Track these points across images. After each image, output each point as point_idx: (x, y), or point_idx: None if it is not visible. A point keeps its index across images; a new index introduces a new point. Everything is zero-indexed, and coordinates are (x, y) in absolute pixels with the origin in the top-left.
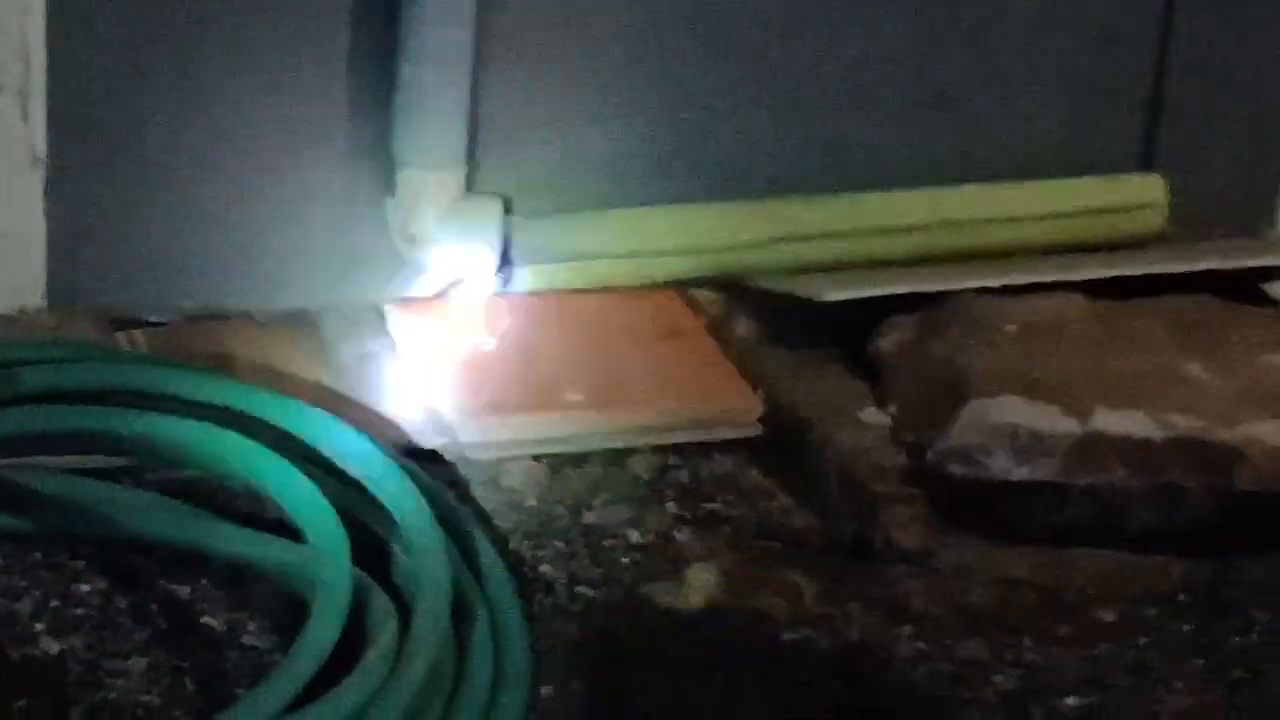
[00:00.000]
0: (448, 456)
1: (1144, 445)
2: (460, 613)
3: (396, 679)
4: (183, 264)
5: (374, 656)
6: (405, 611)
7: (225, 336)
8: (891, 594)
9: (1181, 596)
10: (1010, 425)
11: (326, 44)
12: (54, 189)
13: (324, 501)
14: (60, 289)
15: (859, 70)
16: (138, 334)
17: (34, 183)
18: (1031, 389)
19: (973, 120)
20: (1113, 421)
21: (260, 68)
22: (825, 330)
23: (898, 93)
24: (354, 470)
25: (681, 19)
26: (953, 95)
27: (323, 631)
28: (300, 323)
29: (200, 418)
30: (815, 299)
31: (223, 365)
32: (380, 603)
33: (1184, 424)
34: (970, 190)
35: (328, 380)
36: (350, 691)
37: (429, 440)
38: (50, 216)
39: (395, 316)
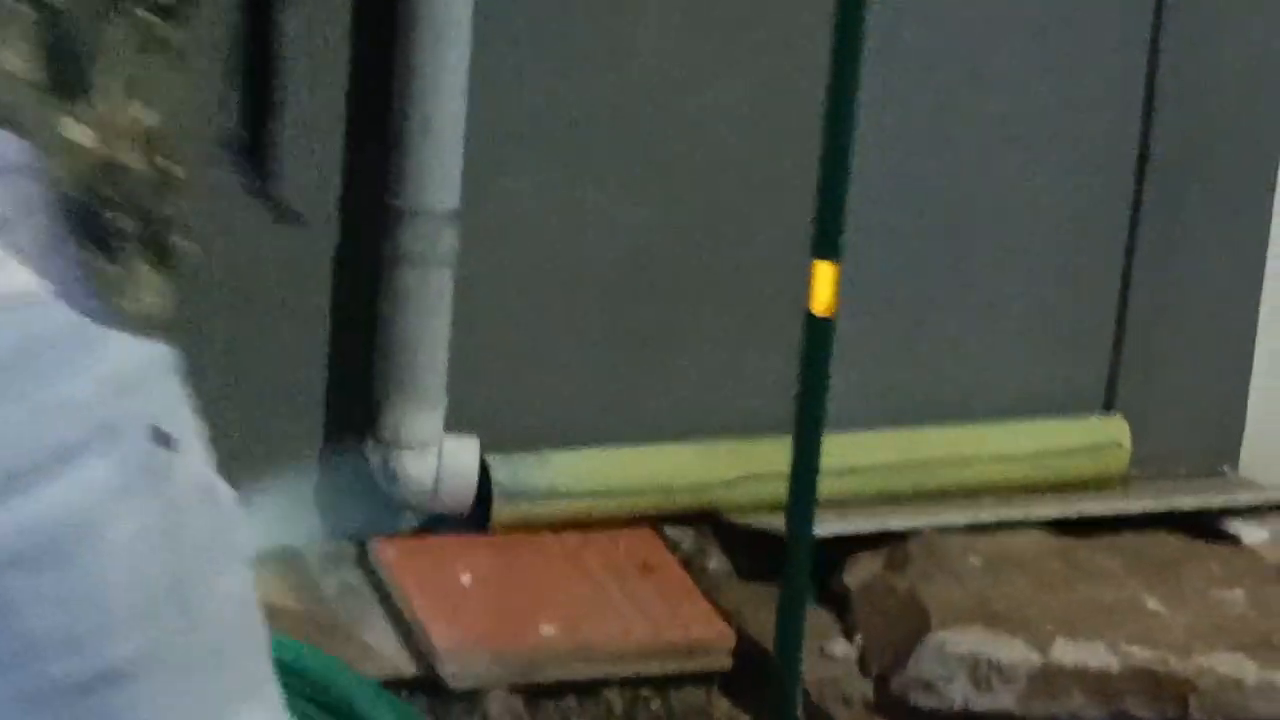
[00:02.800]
0: (428, 686)
1: (1101, 675)
2: None
3: None
4: None
5: None
6: None
7: None
8: None
9: None
10: (971, 655)
11: (307, 289)
12: None
13: None
14: None
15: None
16: None
17: None
18: (993, 621)
19: (939, 363)
20: (1071, 652)
21: (245, 307)
22: None
23: (865, 335)
24: (338, 701)
25: (656, 260)
26: (919, 339)
27: None
28: (285, 558)
29: None
30: (785, 536)
31: None
32: None
33: (1140, 655)
34: (936, 431)
35: (312, 613)
36: None
37: (409, 671)
38: None
39: (377, 552)
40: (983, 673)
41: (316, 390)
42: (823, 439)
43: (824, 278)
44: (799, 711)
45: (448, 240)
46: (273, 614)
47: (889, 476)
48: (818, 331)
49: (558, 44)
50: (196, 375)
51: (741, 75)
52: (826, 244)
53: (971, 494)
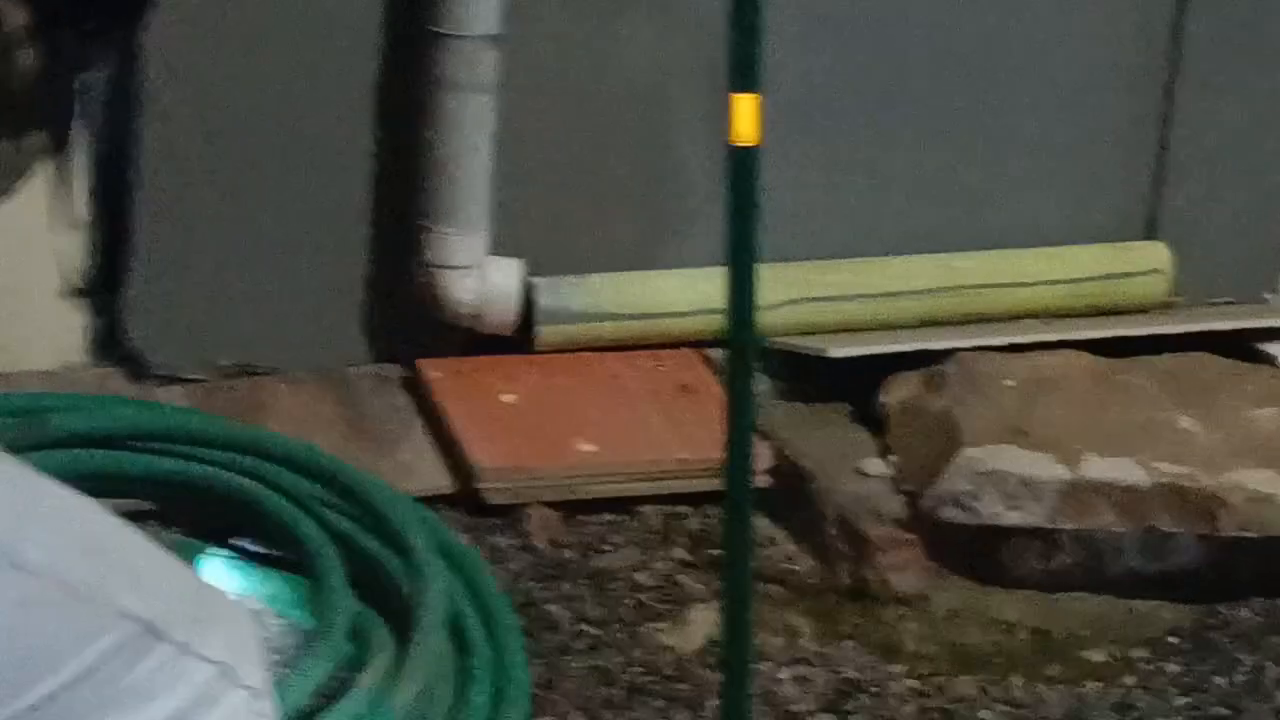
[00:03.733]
0: (468, 502)
1: (1130, 491)
2: (461, 643)
3: (388, 701)
4: (219, 323)
5: (366, 680)
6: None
7: (258, 392)
8: (887, 634)
9: (1169, 639)
10: (1000, 472)
11: (351, 115)
12: (94, 251)
13: (325, 535)
14: (101, 346)
15: (870, 138)
16: (176, 389)
17: (75, 245)
18: (1024, 439)
19: (980, 190)
20: (1101, 468)
21: (292, 137)
22: (836, 387)
23: (908, 164)
24: (368, 510)
25: (701, 84)
26: (960, 168)
27: (322, 656)
28: (331, 379)
29: (227, 459)
30: (824, 356)
31: (257, 418)
32: (379, 631)
33: (1170, 471)
34: (978, 256)
35: (357, 433)
36: (340, 714)
37: (450, 488)
38: (91, 278)
39: (421, 374)
40: (1011, 488)
41: (361, 214)
42: (756, 271)
43: (744, 110)
44: (833, 527)
45: (489, 65)
46: (317, 432)
47: (930, 302)
48: (741, 162)
49: None
50: (241, 208)
51: None
52: (743, 76)
53: (1012, 319)
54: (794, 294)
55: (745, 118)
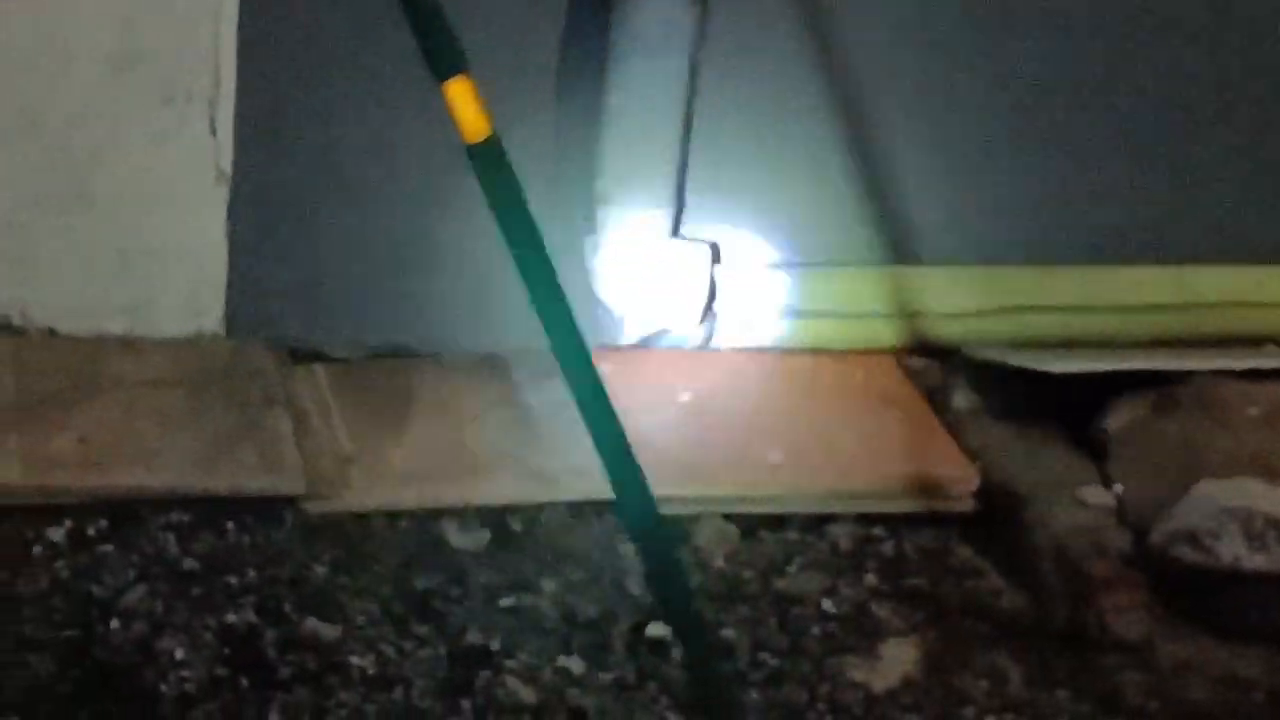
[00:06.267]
0: None
1: None
2: None
3: None
4: (369, 298)
5: None
6: None
7: (408, 376)
8: (1105, 685)
9: None
10: (1245, 509)
11: (529, 73)
12: (238, 208)
13: None
14: (240, 315)
15: (1109, 138)
16: (318, 368)
17: (217, 199)
18: (1272, 474)
19: (1221, 199)
20: None
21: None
22: (1049, 406)
23: (1143, 169)
24: None
25: (918, 71)
26: (1201, 174)
27: None
28: (489, 367)
29: None
30: (1041, 371)
31: (402, 404)
32: None
33: None
34: (1215, 271)
35: (516, 429)
36: None
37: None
38: (232, 237)
39: None
40: (1258, 528)
41: (534, 185)
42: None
43: (461, 98)
44: (1048, 561)
45: (685, 24)
46: (469, 424)
47: (1161, 318)
48: (485, 160)
49: None
50: (398, 171)
51: None
52: (444, 60)
53: (1251, 341)
54: (1009, 301)
55: (466, 107)
